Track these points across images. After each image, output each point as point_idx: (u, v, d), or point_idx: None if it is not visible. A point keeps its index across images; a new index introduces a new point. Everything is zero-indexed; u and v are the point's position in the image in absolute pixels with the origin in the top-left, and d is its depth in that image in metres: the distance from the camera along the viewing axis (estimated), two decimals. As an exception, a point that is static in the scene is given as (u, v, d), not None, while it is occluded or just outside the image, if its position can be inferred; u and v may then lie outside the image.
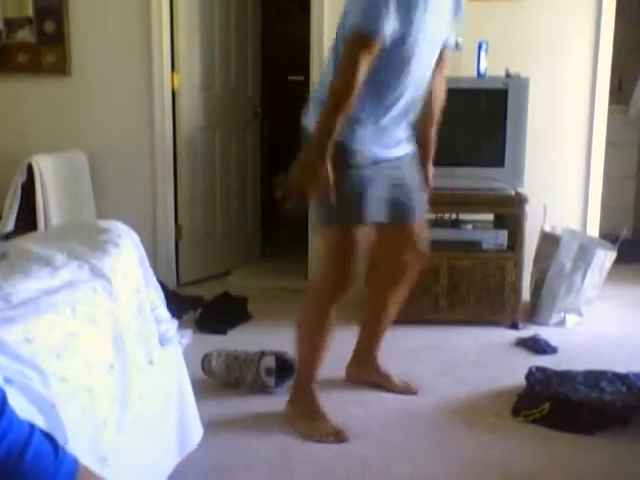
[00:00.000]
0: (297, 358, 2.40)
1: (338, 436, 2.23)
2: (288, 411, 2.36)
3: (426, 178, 2.50)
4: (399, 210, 2.31)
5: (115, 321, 1.55)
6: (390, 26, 1.98)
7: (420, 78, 2.19)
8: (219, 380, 2.63)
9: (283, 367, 2.59)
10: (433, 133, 2.47)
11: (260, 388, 2.58)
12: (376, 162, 2.20)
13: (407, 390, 2.59)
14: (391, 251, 2.45)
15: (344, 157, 2.12)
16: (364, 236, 2.22)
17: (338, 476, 2.06)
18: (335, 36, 2.21)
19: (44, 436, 0.93)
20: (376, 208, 2.21)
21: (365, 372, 2.64)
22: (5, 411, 0.90)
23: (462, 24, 2.35)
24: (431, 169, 2.52)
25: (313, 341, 2.33)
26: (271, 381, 2.57)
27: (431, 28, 2.10)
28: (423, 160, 2.47)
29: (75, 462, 0.95)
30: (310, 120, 2.21)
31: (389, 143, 2.25)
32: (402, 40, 2.04)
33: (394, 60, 2.08)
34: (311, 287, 2.42)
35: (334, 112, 2.01)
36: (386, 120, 2.19)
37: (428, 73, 2.23)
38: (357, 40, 2.00)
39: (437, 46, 2.22)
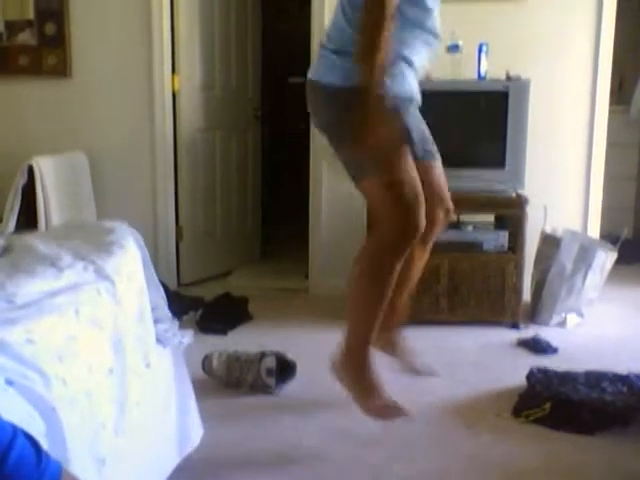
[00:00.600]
0: (352, 322, 2.23)
1: (393, 412, 2.14)
2: (348, 392, 2.21)
3: None
4: (425, 151, 2.29)
5: (116, 324, 1.55)
6: None
7: (436, 20, 2.17)
8: (220, 380, 2.63)
9: (283, 367, 2.60)
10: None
11: (261, 388, 2.58)
12: (411, 101, 2.18)
13: (430, 371, 2.56)
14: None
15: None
16: (416, 174, 2.11)
17: (338, 477, 2.06)
18: None
19: (27, 440, 0.90)
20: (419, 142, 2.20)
21: (386, 337, 2.49)
22: None
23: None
24: None
25: (377, 301, 2.15)
26: (272, 381, 2.57)
27: None
28: None
29: (59, 468, 0.92)
30: (323, 72, 2.14)
31: (416, 84, 2.21)
32: None
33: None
34: (375, 242, 2.19)
35: (374, 50, 1.93)
36: (414, 60, 2.14)
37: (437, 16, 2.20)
38: None
39: None
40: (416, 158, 2.18)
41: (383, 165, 2.08)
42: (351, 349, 2.19)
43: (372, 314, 2.16)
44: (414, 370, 2.55)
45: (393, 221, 2.10)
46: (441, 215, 2.36)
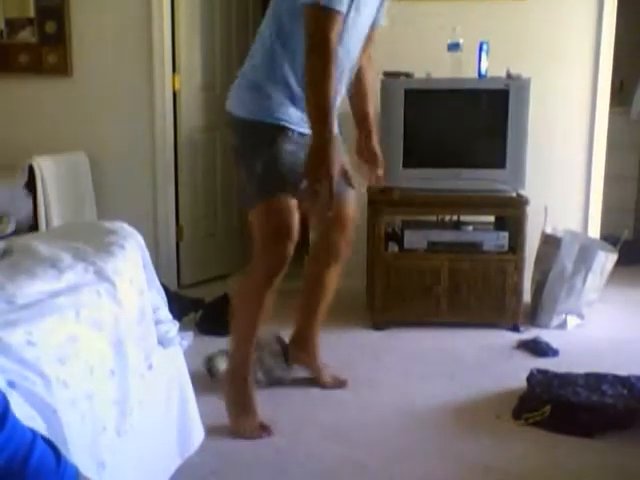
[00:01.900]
0: (232, 343, 2.41)
1: (263, 431, 2.27)
2: (224, 400, 2.36)
3: (374, 153, 2.52)
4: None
5: (117, 326, 1.55)
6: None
7: (352, 56, 2.21)
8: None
9: (284, 348, 2.70)
10: (372, 109, 2.50)
11: (274, 379, 2.65)
12: (301, 135, 2.20)
13: (337, 384, 2.64)
14: (322, 232, 2.54)
15: (270, 133, 2.16)
16: (290, 212, 2.23)
17: (338, 478, 2.06)
18: (272, 15, 2.19)
19: (46, 444, 0.92)
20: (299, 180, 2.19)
21: (303, 356, 2.67)
22: (7, 418, 0.88)
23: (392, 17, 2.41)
24: (377, 144, 2.54)
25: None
26: (281, 364, 2.66)
27: (367, 4, 2.15)
28: (368, 137, 2.49)
29: (76, 472, 0.94)
30: (236, 105, 2.26)
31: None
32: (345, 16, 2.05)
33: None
34: (248, 274, 2.41)
35: (325, 93, 1.97)
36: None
37: (358, 52, 2.25)
38: (321, 15, 1.97)
39: (368, 23, 2.24)
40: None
41: (250, 195, 2.23)
42: (231, 364, 2.39)
43: (243, 337, 2.36)
44: (323, 383, 2.65)
45: (258, 252, 2.28)
46: (342, 245, 2.51)
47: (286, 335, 2.75)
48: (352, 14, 2.08)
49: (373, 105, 2.50)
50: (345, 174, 2.33)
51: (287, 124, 2.17)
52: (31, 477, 0.87)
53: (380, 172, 2.54)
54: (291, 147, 2.18)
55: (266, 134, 2.16)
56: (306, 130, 2.15)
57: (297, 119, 2.17)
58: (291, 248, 2.24)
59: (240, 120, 2.22)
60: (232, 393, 2.34)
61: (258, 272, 2.28)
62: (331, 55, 1.96)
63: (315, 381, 2.66)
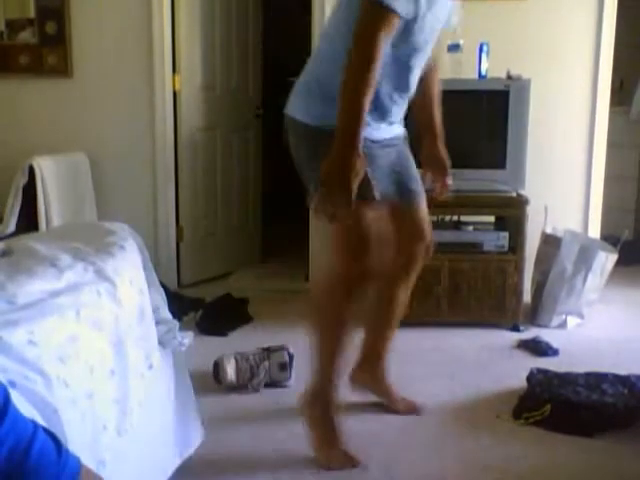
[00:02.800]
0: (314, 364, 2.14)
1: (350, 462, 2.09)
2: (308, 432, 2.15)
3: (441, 159, 2.35)
4: (402, 191, 2.20)
5: (117, 326, 1.55)
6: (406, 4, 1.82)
7: (423, 57, 2.06)
8: (230, 386, 2.61)
9: (291, 359, 2.67)
10: (438, 113, 2.33)
11: (273, 384, 2.63)
12: (374, 142, 2.04)
13: (411, 410, 2.44)
14: (398, 240, 2.27)
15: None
16: (376, 218, 2.02)
17: (338, 478, 2.06)
18: (342, 13, 1.98)
19: (47, 435, 0.92)
20: (384, 185, 2.05)
21: (368, 379, 2.47)
22: (8, 410, 0.88)
23: (461, 18, 2.25)
24: (444, 149, 2.37)
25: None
26: (285, 375, 2.62)
27: (437, 9, 1.96)
28: (432, 142, 2.33)
29: (78, 463, 0.94)
30: (298, 110, 2.05)
31: (386, 123, 2.10)
32: (414, 20, 1.88)
33: (406, 39, 1.93)
34: (323, 286, 2.20)
35: (359, 95, 1.80)
36: (387, 102, 2.04)
37: (429, 53, 2.09)
38: (375, 11, 1.78)
39: (439, 28, 2.07)
40: (388, 197, 2.10)
41: (336, 207, 1.99)
42: (315, 386, 2.15)
43: (328, 356, 2.12)
44: (396, 409, 2.44)
45: (334, 263, 2.09)
46: (420, 252, 2.32)
47: (293, 342, 2.75)
48: (427, 15, 1.90)
49: (439, 109, 2.33)
50: (407, 183, 2.16)
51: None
52: (32, 469, 0.87)
53: (448, 180, 2.36)
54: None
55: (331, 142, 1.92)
56: (380, 136, 2.04)
57: (367, 126, 1.97)
58: (372, 260, 2.02)
59: (303, 127, 2.03)
60: (315, 419, 2.13)
61: (339, 284, 2.08)
62: (375, 57, 1.79)
63: (385, 407, 2.45)
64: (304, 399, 2.18)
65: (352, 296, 2.07)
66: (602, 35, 3.62)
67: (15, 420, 0.88)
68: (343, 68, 1.82)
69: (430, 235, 2.32)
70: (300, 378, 2.68)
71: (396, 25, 1.83)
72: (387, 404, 2.46)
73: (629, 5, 4.09)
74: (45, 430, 0.93)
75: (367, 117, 1.90)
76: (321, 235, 3.87)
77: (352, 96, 1.81)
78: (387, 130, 2.10)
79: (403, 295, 2.37)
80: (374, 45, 1.78)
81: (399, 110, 2.13)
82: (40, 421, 1.13)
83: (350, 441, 2.22)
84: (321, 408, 2.13)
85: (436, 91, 2.32)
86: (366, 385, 2.47)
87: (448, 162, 2.36)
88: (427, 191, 2.33)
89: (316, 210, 1.92)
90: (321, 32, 2.11)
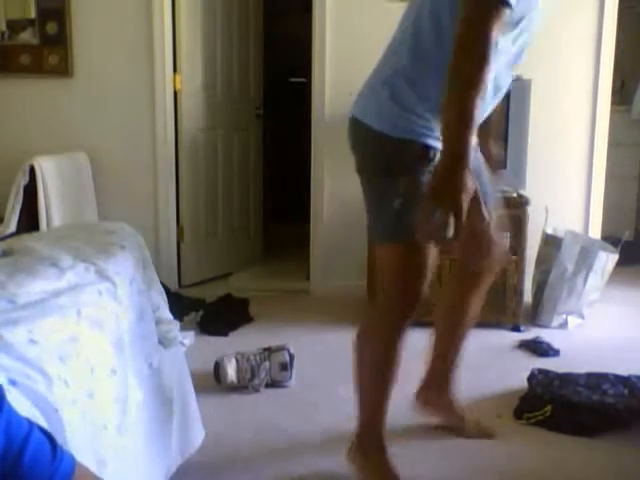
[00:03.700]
0: (359, 403, 1.97)
1: None
2: (356, 473, 2.00)
3: (490, 158, 2.17)
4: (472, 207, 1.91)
5: (118, 325, 1.55)
6: None
7: (510, 71, 1.85)
8: (230, 386, 2.61)
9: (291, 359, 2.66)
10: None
11: (274, 384, 2.63)
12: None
13: (483, 434, 2.26)
14: (466, 255, 2.12)
15: (419, 158, 1.75)
16: (427, 254, 1.84)
17: (338, 478, 2.06)
18: (422, 7, 1.77)
19: (43, 434, 0.91)
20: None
21: (439, 402, 2.27)
22: (3, 408, 0.88)
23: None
24: (494, 147, 2.19)
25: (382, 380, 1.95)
26: (286, 375, 2.62)
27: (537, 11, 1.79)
28: (484, 139, 2.10)
29: (73, 462, 0.93)
30: (368, 113, 1.82)
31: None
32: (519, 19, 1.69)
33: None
34: (373, 314, 2.00)
35: (471, 102, 1.53)
36: None
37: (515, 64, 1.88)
38: (485, 4, 1.55)
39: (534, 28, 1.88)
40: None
41: (386, 229, 1.83)
42: (362, 432, 2.00)
43: (375, 390, 1.96)
44: (467, 433, 2.26)
45: (390, 291, 1.91)
46: (489, 267, 2.13)
47: (293, 341, 2.75)
48: (524, 21, 1.74)
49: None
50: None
51: (434, 143, 1.75)
52: (26, 470, 0.86)
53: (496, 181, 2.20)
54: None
55: (408, 155, 1.75)
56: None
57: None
58: (425, 287, 1.86)
59: (372, 133, 1.79)
60: (366, 467, 1.97)
61: (388, 314, 1.91)
62: (488, 58, 1.54)
63: (455, 430, 2.27)
64: (353, 447, 2.02)
65: (406, 325, 1.90)
66: (603, 35, 3.62)
67: (9, 420, 0.88)
68: (449, 69, 1.57)
69: (499, 248, 2.13)
70: (300, 378, 2.69)
71: (505, 21, 1.59)
72: (455, 427, 2.28)
73: (630, 5, 4.09)
74: (40, 429, 0.92)
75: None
76: (322, 234, 3.88)
77: (463, 104, 1.56)
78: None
79: (475, 307, 2.20)
80: (487, 42, 1.53)
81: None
82: (40, 420, 1.13)
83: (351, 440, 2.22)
84: (372, 454, 1.97)
85: None
86: (432, 406, 2.28)
87: (499, 156, 2.23)
88: None
89: (419, 232, 1.64)
90: (398, 29, 1.86)
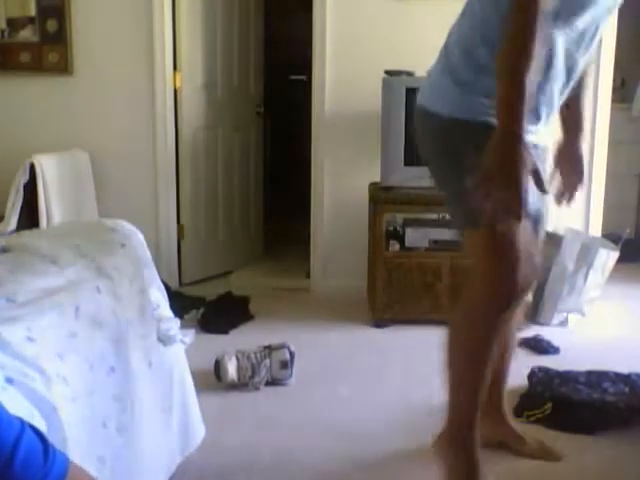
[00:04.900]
0: (452, 400, 1.88)
1: None
2: (444, 468, 1.89)
3: (579, 159, 2.08)
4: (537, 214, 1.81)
5: (117, 323, 1.55)
6: None
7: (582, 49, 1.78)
8: (231, 384, 2.61)
9: (292, 357, 2.66)
10: (585, 106, 2.06)
11: (274, 382, 2.62)
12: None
13: (548, 455, 2.11)
14: None
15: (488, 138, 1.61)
16: (526, 235, 1.72)
17: (338, 477, 2.06)
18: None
19: (35, 434, 0.90)
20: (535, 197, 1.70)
21: (491, 422, 2.09)
22: None
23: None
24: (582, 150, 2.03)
25: (477, 374, 1.83)
26: (287, 373, 2.62)
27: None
28: (574, 138, 2.03)
29: (66, 462, 0.91)
30: (435, 100, 1.77)
31: (536, 125, 1.74)
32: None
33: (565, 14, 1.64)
34: (468, 305, 1.86)
35: (520, 69, 1.49)
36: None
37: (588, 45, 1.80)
38: None
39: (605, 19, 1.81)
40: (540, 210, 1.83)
41: (495, 215, 1.63)
42: (453, 426, 1.89)
43: (471, 386, 1.84)
44: (530, 454, 2.11)
45: (485, 277, 1.77)
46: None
47: (294, 340, 2.74)
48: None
49: (586, 102, 2.05)
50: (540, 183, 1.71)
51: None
52: (19, 468, 0.85)
53: (580, 185, 2.07)
54: None
55: (476, 136, 1.65)
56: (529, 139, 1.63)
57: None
58: (529, 269, 1.74)
59: (440, 119, 1.76)
60: (455, 461, 1.86)
61: (487, 305, 1.78)
62: (537, 20, 1.50)
63: (514, 450, 2.11)
64: (442, 443, 1.91)
65: (504, 319, 1.79)
66: (603, 32, 3.61)
67: (0, 418, 0.86)
68: (503, 39, 1.55)
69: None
70: (301, 376, 2.69)
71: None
72: (513, 446, 2.12)
73: (630, 3, 4.08)
74: (33, 429, 0.90)
75: None
76: (322, 232, 3.87)
77: (512, 72, 1.52)
78: (536, 135, 1.75)
79: (517, 319, 2.03)
80: (534, 11, 1.50)
81: (549, 110, 1.78)
82: (39, 419, 1.12)
83: (351, 439, 2.22)
84: (462, 449, 1.86)
85: (588, 80, 2.03)
86: (490, 429, 2.09)
87: (583, 166, 2.07)
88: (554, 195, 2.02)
89: (477, 213, 1.57)
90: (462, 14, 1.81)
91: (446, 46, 1.82)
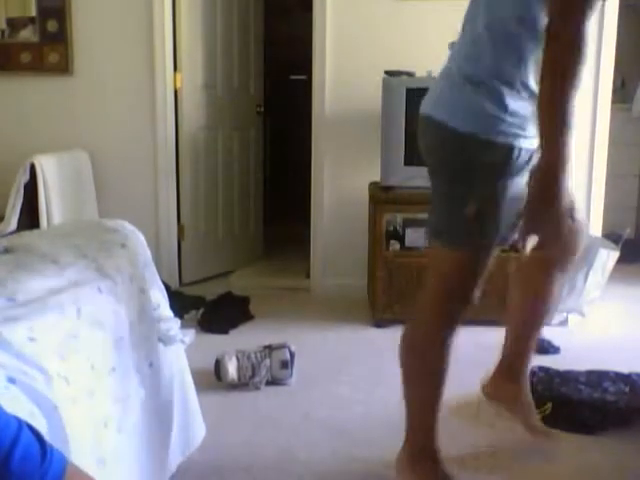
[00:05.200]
0: (408, 413, 1.87)
1: None
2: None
3: None
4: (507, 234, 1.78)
5: (118, 323, 1.55)
6: None
7: None
8: (231, 384, 2.61)
9: (292, 357, 2.66)
10: None
11: (274, 382, 2.63)
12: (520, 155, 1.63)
13: (545, 433, 2.13)
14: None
15: (504, 159, 1.59)
16: (483, 270, 1.73)
17: (338, 476, 2.06)
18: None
19: (32, 434, 0.89)
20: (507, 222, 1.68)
21: (511, 390, 2.11)
22: None
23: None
24: None
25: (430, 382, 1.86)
26: (287, 373, 2.62)
27: None
28: None
29: (63, 462, 0.90)
30: (442, 109, 1.66)
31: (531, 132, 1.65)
32: None
33: None
34: (419, 318, 1.86)
35: (566, 94, 1.41)
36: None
37: None
38: None
39: None
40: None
41: (451, 231, 1.67)
42: (411, 445, 1.89)
43: (421, 404, 1.87)
44: (534, 430, 2.14)
45: (436, 290, 1.79)
46: (567, 260, 2.03)
47: (294, 339, 2.74)
48: None
49: None
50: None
51: (522, 143, 1.60)
52: (16, 468, 0.84)
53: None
54: (516, 177, 1.61)
55: (491, 157, 1.58)
56: (528, 145, 1.61)
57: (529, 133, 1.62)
58: (476, 293, 1.76)
59: (444, 130, 1.64)
60: (416, 476, 1.85)
61: (431, 322, 1.80)
62: (583, 46, 1.41)
63: (522, 422, 2.13)
64: (402, 464, 1.90)
65: (453, 327, 1.81)
66: (603, 33, 3.61)
67: None
68: (544, 63, 1.44)
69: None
70: (301, 376, 2.69)
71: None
72: (524, 422, 2.14)
73: (630, 3, 4.08)
74: (30, 428, 0.90)
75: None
76: (322, 232, 3.87)
77: (558, 101, 1.42)
78: (532, 140, 1.64)
79: (553, 289, 2.03)
80: (580, 34, 1.39)
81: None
82: (40, 418, 1.12)
83: (352, 438, 2.22)
84: (425, 467, 1.86)
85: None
86: (507, 398, 2.13)
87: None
88: None
89: (521, 240, 1.53)
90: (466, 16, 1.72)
91: (454, 56, 1.76)
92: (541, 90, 1.46)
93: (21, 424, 0.88)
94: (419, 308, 1.83)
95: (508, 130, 1.59)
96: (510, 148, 1.59)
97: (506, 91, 1.58)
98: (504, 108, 1.58)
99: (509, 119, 1.59)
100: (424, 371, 1.83)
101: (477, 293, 1.75)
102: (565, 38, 1.40)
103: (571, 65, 1.41)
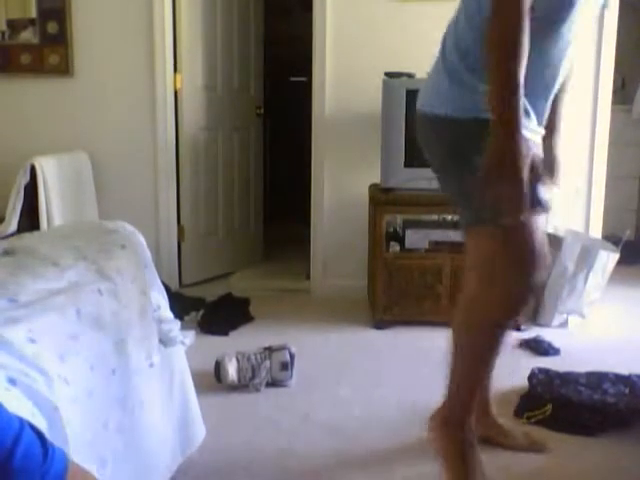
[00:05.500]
0: (451, 387, 1.91)
1: None
2: (439, 457, 1.91)
3: (554, 158, 2.00)
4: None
5: (118, 325, 1.55)
6: None
7: (567, 45, 1.74)
8: (231, 385, 2.61)
9: (292, 358, 2.66)
10: (563, 104, 1.97)
11: (274, 383, 2.63)
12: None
13: (533, 447, 2.15)
14: None
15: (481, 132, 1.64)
16: (536, 231, 1.72)
17: (338, 477, 2.06)
18: None
19: (34, 433, 0.89)
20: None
21: (484, 419, 2.12)
22: None
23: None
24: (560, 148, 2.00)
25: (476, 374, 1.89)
26: (287, 375, 2.62)
27: None
28: (548, 135, 1.93)
29: (65, 461, 0.91)
30: (436, 103, 1.76)
31: (533, 123, 1.74)
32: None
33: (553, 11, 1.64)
34: (469, 307, 1.87)
35: (509, 59, 1.50)
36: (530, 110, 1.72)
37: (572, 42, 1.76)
38: None
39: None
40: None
41: (500, 210, 1.63)
42: (447, 416, 1.92)
43: (467, 383, 1.90)
44: (519, 446, 2.15)
45: (491, 279, 1.76)
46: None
47: (294, 341, 2.75)
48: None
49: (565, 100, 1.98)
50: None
51: None
52: (18, 467, 0.84)
53: (556, 186, 2.03)
54: None
55: (478, 134, 1.62)
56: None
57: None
58: (538, 269, 1.76)
59: (442, 119, 1.74)
60: (449, 450, 1.88)
61: (495, 305, 1.77)
62: (520, 14, 1.50)
63: (502, 443, 2.13)
64: (435, 422, 1.93)
65: (513, 318, 1.82)
66: (604, 33, 3.61)
67: (0, 417, 0.86)
68: (485, 36, 1.55)
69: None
70: (301, 377, 2.69)
71: None
72: (500, 440, 2.14)
73: (630, 3, 4.08)
74: (32, 427, 0.90)
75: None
76: (322, 233, 3.87)
77: (502, 66, 1.52)
78: (533, 134, 1.72)
79: None
80: (519, 5, 1.50)
81: (545, 105, 1.77)
82: (41, 419, 1.13)
83: (352, 439, 2.22)
84: (456, 440, 1.88)
85: (568, 85, 1.98)
86: (483, 427, 2.11)
87: (561, 162, 2.02)
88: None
89: (483, 212, 1.61)
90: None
91: (443, 48, 1.82)
92: (486, 57, 1.57)
93: (23, 423, 0.89)
94: (478, 296, 1.81)
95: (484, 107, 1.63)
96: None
97: (473, 71, 1.68)
98: (477, 88, 1.66)
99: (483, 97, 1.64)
100: (487, 347, 1.84)
101: (539, 271, 1.75)
102: (504, 16, 1.53)
103: (509, 38, 1.52)
